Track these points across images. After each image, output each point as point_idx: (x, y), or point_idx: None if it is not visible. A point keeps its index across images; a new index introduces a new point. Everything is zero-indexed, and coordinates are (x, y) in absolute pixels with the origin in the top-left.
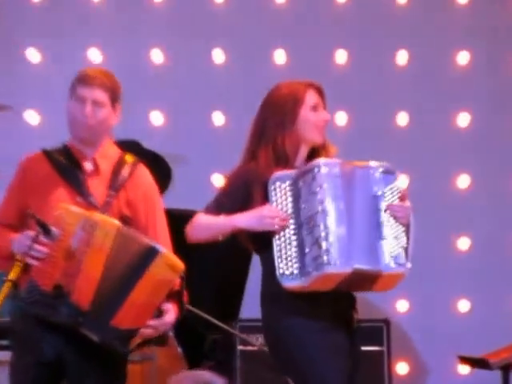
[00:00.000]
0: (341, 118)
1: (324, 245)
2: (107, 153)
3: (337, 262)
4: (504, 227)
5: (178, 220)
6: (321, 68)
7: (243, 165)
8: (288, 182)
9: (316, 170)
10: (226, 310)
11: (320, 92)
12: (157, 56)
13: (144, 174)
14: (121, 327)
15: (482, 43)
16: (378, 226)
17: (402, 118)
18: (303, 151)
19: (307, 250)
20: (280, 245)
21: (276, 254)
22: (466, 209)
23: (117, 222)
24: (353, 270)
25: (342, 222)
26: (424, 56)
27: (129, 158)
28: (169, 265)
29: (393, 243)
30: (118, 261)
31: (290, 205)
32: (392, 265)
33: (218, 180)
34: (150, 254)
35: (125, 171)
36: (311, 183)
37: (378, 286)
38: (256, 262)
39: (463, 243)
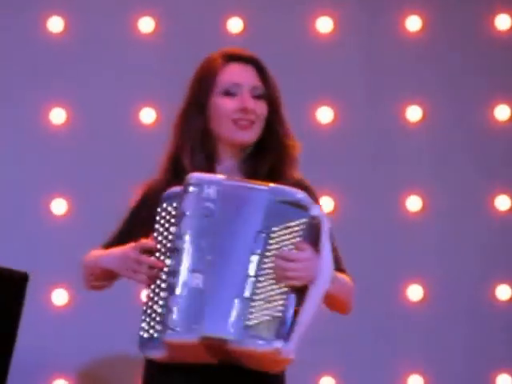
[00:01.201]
0: None
1: (169, 301)
2: None
3: (177, 328)
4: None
5: None
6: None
7: (149, 179)
8: (175, 203)
9: (184, 188)
10: None
11: (256, 68)
12: None
13: None
14: None
15: None
16: (244, 279)
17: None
18: (227, 157)
19: (166, 306)
20: (148, 294)
21: (143, 307)
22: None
23: None
24: (201, 339)
25: (199, 268)
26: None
27: None
28: None
29: (259, 307)
30: None
31: (170, 238)
32: (243, 337)
33: None
34: None
35: None
36: (179, 208)
37: (253, 363)
38: (27, 321)
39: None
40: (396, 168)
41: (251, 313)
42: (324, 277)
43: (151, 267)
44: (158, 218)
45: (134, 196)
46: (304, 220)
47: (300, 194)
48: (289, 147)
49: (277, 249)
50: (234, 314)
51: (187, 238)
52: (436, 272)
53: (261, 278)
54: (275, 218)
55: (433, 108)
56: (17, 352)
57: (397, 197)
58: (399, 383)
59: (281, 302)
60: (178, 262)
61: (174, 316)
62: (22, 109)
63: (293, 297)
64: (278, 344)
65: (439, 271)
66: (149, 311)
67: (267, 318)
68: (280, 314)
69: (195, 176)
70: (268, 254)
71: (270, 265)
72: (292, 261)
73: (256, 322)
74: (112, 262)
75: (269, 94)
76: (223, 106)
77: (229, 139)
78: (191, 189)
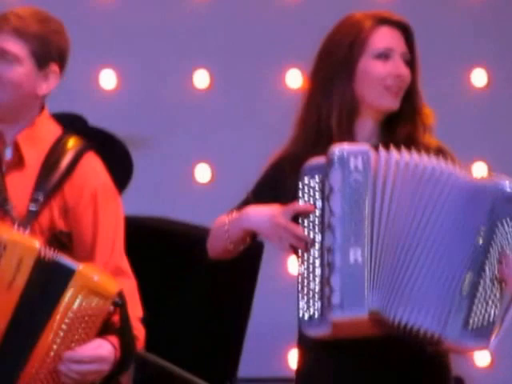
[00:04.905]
0: None
1: (330, 280)
2: (37, 134)
3: (344, 306)
4: None
5: (142, 232)
6: None
7: (283, 146)
8: (318, 177)
9: (328, 162)
10: (217, 366)
11: (404, 32)
12: None
13: (93, 168)
14: None
15: None
16: (462, 274)
17: None
18: (367, 122)
19: (328, 284)
20: (303, 272)
21: (298, 286)
22: None
23: (37, 245)
24: (371, 314)
25: (356, 242)
26: None
27: (71, 143)
28: (90, 289)
29: (479, 309)
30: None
31: (318, 213)
32: (460, 336)
33: (204, 173)
34: (62, 276)
35: (64, 163)
36: (326, 182)
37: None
38: (261, 291)
39: None
40: None
41: (470, 313)
42: None
43: (298, 238)
44: (300, 192)
45: (266, 163)
46: None
47: None
48: (424, 115)
49: (501, 246)
50: (442, 307)
51: (339, 213)
52: None
53: (483, 278)
54: (502, 213)
55: None
56: (253, 321)
57: None
58: None
59: (498, 307)
60: (333, 240)
61: (338, 294)
62: None
63: (507, 301)
64: (490, 345)
65: None
66: (305, 290)
67: (485, 321)
68: (496, 320)
69: (340, 147)
70: (491, 250)
71: (492, 264)
72: None
73: (473, 323)
74: (259, 223)
75: (413, 61)
76: (376, 70)
77: (376, 104)
78: (337, 162)
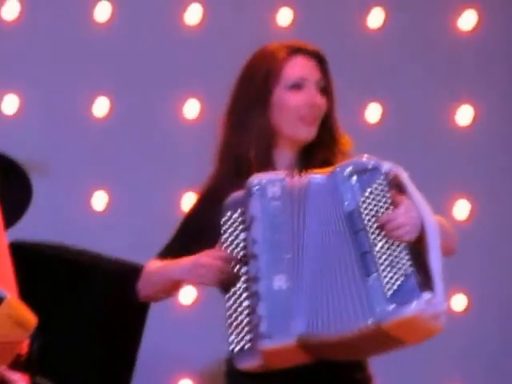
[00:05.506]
0: None
1: (256, 309)
2: None
3: (271, 334)
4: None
5: (37, 258)
6: None
7: (204, 183)
8: (239, 210)
9: (247, 193)
10: None
11: (319, 62)
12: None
13: None
14: None
15: None
16: (359, 259)
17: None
18: (285, 152)
19: (255, 313)
20: (231, 306)
21: (227, 321)
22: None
23: None
24: (298, 340)
25: (280, 269)
26: None
27: None
28: (15, 319)
29: (390, 274)
30: None
31: (242, 245)
32: (393, 309)
33: (101, 200)
34: None
35: None
36: (246, 214)
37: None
38: (152, 321)
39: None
40: None
41: (382, 285)
42: (430, 220)
43: (223, 273)
44: (224, 227)
45: (191, 201)
46: (381, 179)
47: (362, 158)
48: (342, 143)
49: (373, 216)
50: (357, 298)
51: (261, 241)
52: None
53: (376, 250)
54: (354, 192)
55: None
56: (142, 350)
57: None
58: None
59: (406, 258)
60: (257, 268)
61: (265, 323)
62: None
63: (413, 250)
64: (426, 295)
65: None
66: (234, 323)
67: (402, 278)
68: (411, 269)
69: (257, 178)
70: (369, 224)
71: (376, 234)
72: (394, 219)
73: (395, 288)
74: (184, 274)
75: (328, 89)
76: (290, 101)
77: (292, 135)
78: (255, 192)
